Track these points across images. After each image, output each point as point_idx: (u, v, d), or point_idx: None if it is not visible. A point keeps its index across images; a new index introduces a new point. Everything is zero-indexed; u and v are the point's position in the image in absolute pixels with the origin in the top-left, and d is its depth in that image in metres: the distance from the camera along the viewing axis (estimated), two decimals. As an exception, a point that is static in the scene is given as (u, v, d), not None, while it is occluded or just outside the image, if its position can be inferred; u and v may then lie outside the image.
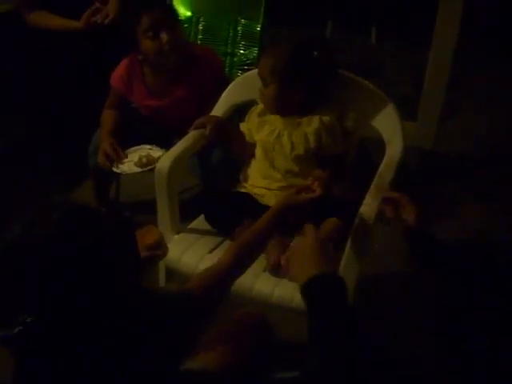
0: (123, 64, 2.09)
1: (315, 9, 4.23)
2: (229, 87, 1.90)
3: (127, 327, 0.97)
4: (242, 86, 1.86)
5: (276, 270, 1.54)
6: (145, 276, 1.50)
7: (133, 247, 1.05)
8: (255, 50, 2.61)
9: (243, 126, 1.79)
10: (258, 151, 1.76)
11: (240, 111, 1.91)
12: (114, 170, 2.00)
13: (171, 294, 1.15)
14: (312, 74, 1.67)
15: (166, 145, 1.91)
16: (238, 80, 1.90)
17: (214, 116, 1.84)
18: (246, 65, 2.63)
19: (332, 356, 0.94)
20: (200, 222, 1.81)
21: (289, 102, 1.68)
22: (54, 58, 2.47)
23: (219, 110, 1.88)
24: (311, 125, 1.69)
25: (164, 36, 1.89)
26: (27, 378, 0.95)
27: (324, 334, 0.98)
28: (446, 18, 2.64)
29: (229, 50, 2.65)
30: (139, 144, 2.07)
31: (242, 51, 2.64)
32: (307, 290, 1.05)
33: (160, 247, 1.37)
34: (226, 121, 1.83)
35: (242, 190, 1.77)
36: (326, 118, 1.70)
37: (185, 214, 1.88)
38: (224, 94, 1.90)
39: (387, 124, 1.72)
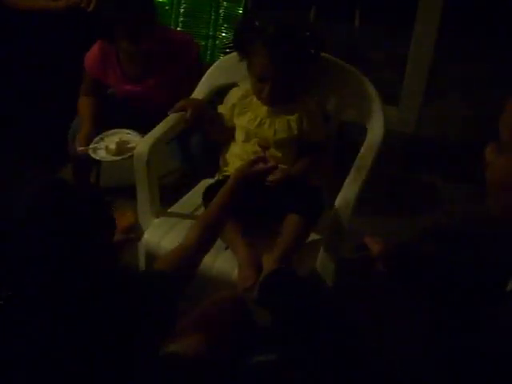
0: (96, 47, 2.05)
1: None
2: (210, 69, 1.87)
3: (102, 305, 0.96)
4: (224, 69, 1.84)
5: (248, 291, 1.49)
6: (124, 260, 1.50)
7: (108, 224, 1.05)
8: (237, 33, 2.58)
9: (221, 109, 1.77)
10: (239, 135, 1.73)
11: (220, 93, 1.88)
12: (93, 155, 1.97)
13: (144, 273, 1.15)
14: (305, 61, 1.65)
15: (145, 128, 1.89)
16: (219, 62, 1.88)
17: (195, 99, 1.81)
18: (228, 47, 2.60)
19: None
20: (180, 205, 1.80)
21: (285, 93, 1.65)
22: (35, 39, 2.43)
23: (200, 92, 1.86)
24: (293, 112, 1.68)
25: (143, 43, 1.88)
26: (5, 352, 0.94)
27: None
28: (429, 1, 2.63)
29: (210, 33, 2.63)
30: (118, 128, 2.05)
31: (223, 34, 2.62)
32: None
33: (134, 230, 1.36)
34: (206, 104, 1.81)
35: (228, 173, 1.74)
36: (307, 105, 1.69)
37: (166, 198, 1.87)
38: (205, 77, 1.88)
39: (368, 107, 1.71)
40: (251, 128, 1.70)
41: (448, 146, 2.87)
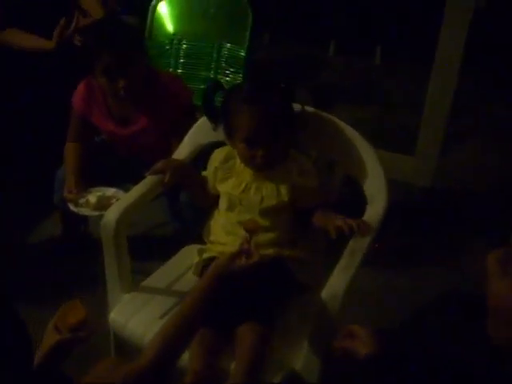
0: (83, 83, 1.94)
1: (316, 28, 4.05)
2: (195, 126, 1.69)
3: None
4: (209, 126, 1.64)
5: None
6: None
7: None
8: (239, 77, 2.42)
9: (206, 173, 1.59)
10: (223, 203, 1.54)
11: (208, 152, 1.70)
12: (72, 209, 1.85)
13: None
14: (290, 113, 1.48)
15: (135, 178, 1.72)
16: (203, 119, 1.68)
17: (175, 160, 1.63)
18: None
19: None
20: (158, 276, 1.62)
21: (278, 155, 1.47)
22: (18, 86, 2.32)
23: (183, 151, 1.68)
24: (284, 176, 1.48)
25: (120, 82, 1.75)
26: None
27: None
28: (450, 36, 2.39)
29: (211, 76, 2.47)
30: (105, 178, 1.92)
31: (225, 77, 2.45)
32: None
33: (84, 328, 1.17)
34: (187, 166, 1.63)
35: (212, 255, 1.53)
36: (300, 167, 1.50)
37: (157, 251, 1.73)
38: (189, 134, 1.70)
39: (370, 178, 1.49)
40: (235, 194, 1.51)
41: (470, 201, 2.61)
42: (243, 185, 1.51)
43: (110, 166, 2.05)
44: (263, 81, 1.51)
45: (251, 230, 1.32)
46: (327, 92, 3.57)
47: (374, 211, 1.45)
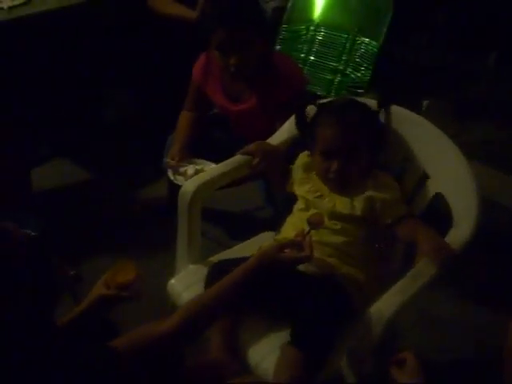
0: (204, 55, 1.99)
1: (480, 36, 3.75)
2: (295, 115, 1.66)
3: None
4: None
5: None
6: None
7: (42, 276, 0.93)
8: (369, 73, 2.32)
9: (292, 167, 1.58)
10: (299, 204, 1.53)
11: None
12: (169, 175, 1.90)
13: (88, 346, 0.98)
14: (375, 133, 1.47)
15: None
16: (309, 108, 1.64)
17: (268, 145, 1.62)
18: (356, 87, 2.36)
19: None
20: (223, 256, 1.62)
21: (355, 171, 1.44)
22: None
23: (280, 136, 1.67)
24: (360, 191, 1.43)
25: (232, 58, 1.76)
26: None
27: None
28: None
29: (340, 67, 2.40)
30: (211, 152, 1.94)
31: (356, 72, 2.36)
32: None
33: (130, 288, 1.21)
34: (278, 154, 1.60)
35: None
36: (378, 182, 1.44)
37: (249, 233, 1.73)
38: (290, 121, 1.66)
39: (459, 196, 1.37)
40: (309, 198, 1.49)
41: None
42: (318, 193, 1.48)
43: (218, 140, 2.09)
44: (354, 99, 1.53)
45: (314, 222, 1.29)
46: (472, 106, 3.31)
47: (457, 235, 1.32)
